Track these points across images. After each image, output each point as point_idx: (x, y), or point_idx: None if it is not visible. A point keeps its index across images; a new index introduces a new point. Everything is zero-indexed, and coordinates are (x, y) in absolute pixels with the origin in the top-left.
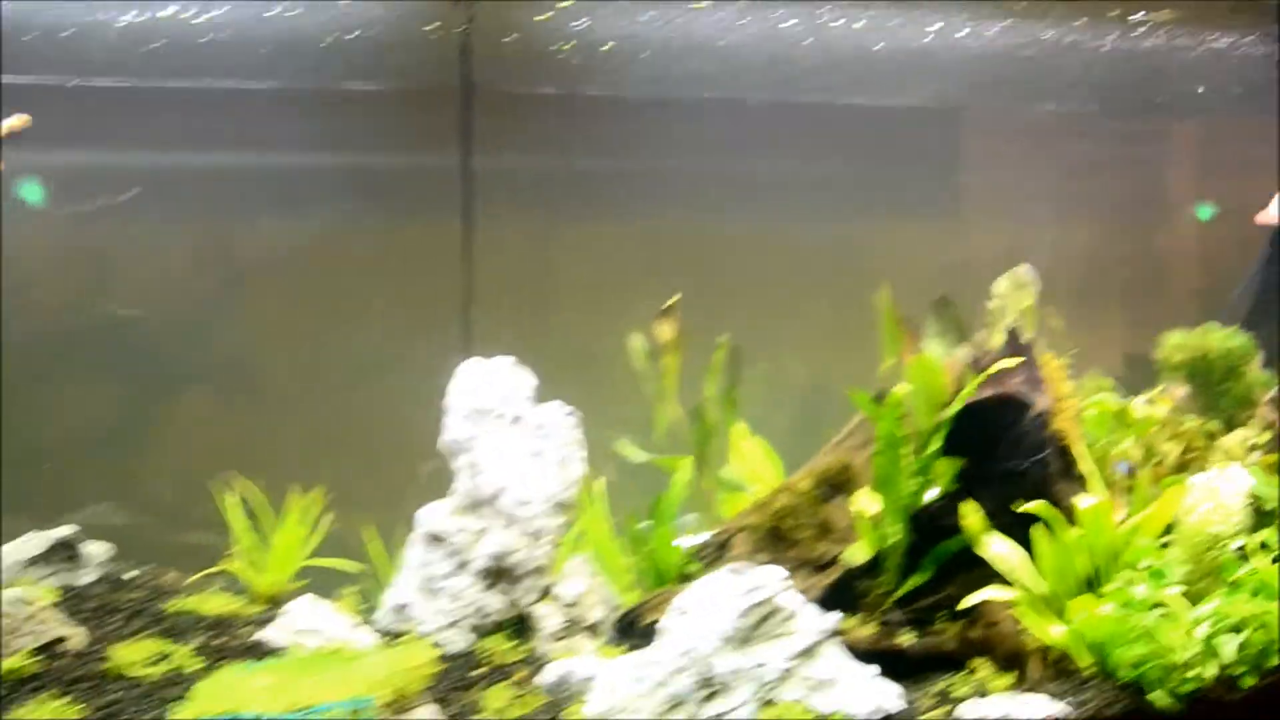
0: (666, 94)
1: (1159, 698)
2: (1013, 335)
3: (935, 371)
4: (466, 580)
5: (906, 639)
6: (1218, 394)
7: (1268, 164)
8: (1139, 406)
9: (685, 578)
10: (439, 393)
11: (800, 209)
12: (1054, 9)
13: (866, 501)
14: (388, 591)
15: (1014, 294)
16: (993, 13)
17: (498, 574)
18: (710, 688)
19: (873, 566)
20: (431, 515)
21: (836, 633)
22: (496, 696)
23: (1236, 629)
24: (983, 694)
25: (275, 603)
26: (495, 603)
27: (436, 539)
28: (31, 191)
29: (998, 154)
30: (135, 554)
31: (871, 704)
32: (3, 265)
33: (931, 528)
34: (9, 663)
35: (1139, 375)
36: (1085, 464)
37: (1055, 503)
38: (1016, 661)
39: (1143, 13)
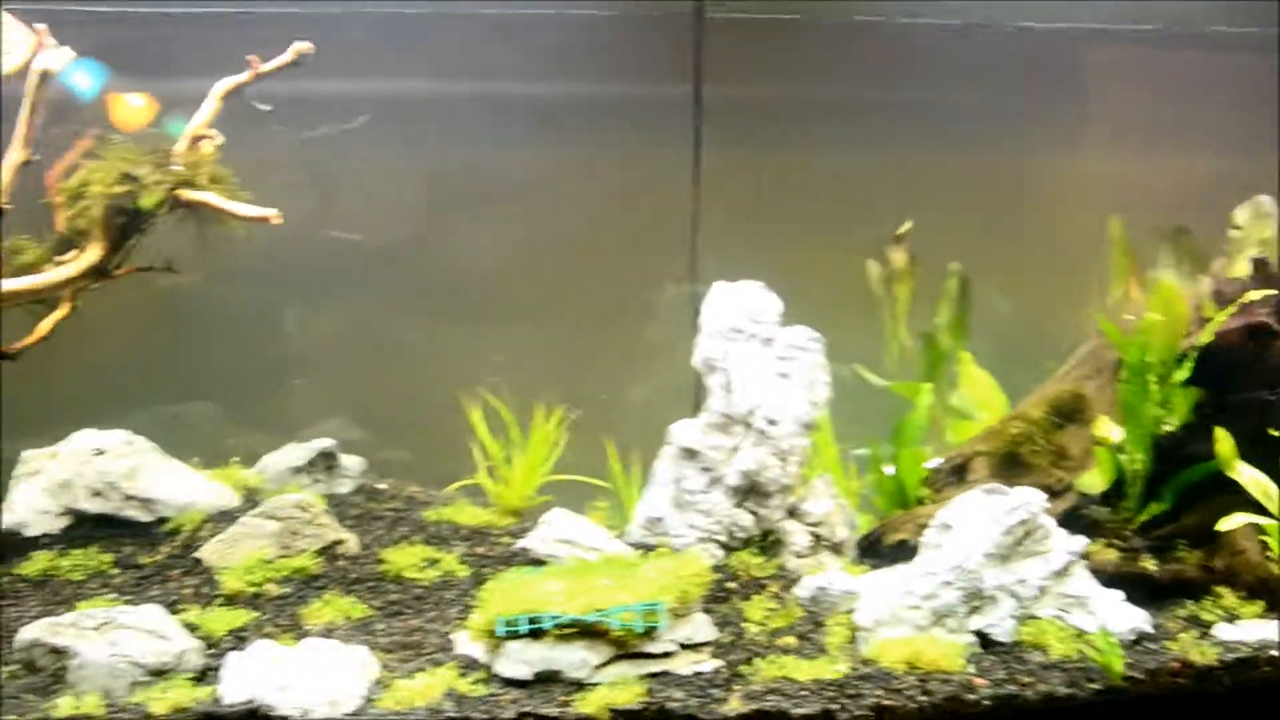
0: (891, 18)
1: None
2: (1260, 264)
3: (1177, 301)
4: (719, 496)
5: (1151, 565)
6: None
7: None
8: None
9: (918, 501)
10: (666, 315)
11: (1031, 139)
12: None
13: (1109, 429)
14: (638, 505)
15: (1254, 224)
16: None
17: (749, 491)
18: (976, 601)
19: (1107, 494)
20: (685, 431)
21: (1083, 555)
22: (756, 607)
23: None
24: (1231, 620)
25: (520, 515)
26: (745, 519)
27: (690, 453)
28: (177, 128)
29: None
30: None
31: (1127, 624)
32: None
33: (1173, 456)
34: (296, 561)
35: None
36: None
37: None
38: (1263, 589)
39: None
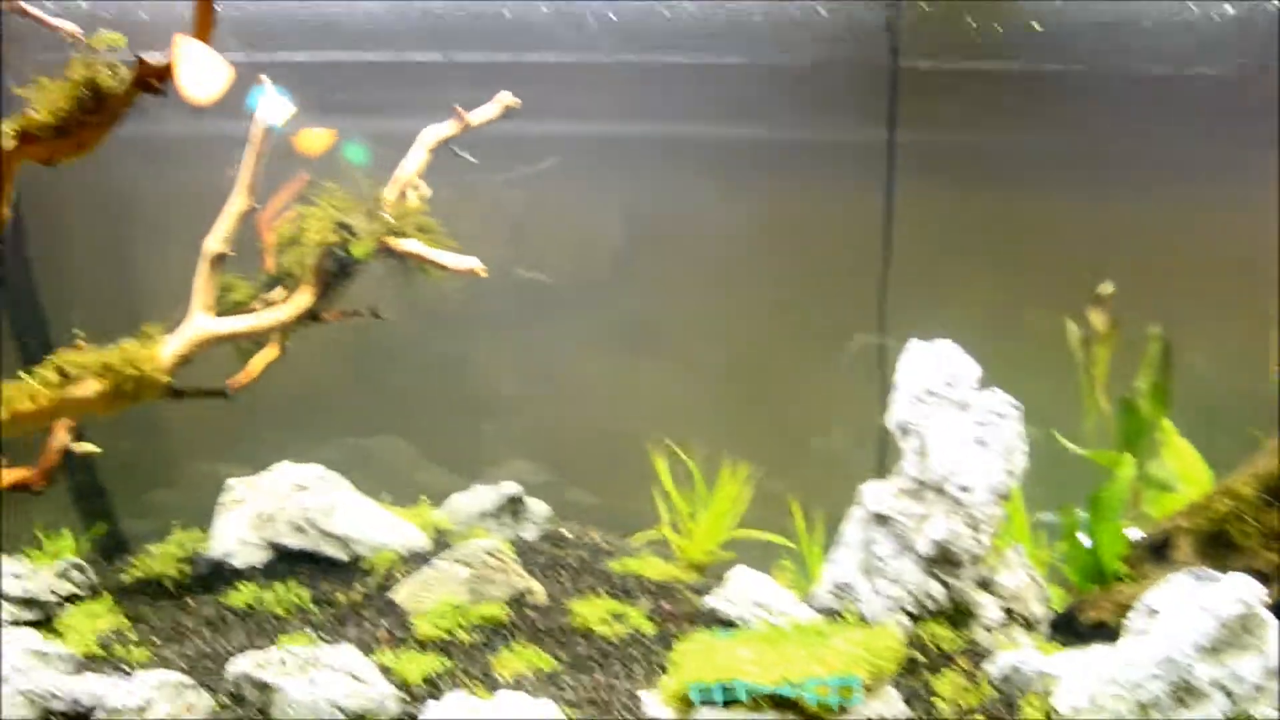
0: (1084, 69)
1: None
2: None
3: None
4: (909, 563)
5: None
6: None
7: None
8: None
9: (1116, 578)
10: (855, 366)
11: (1221, 187)
12: None
13: None
14: (826, 568)
15: None
16: None
17: (940, 559)
18: (1185, 694)
19: None
20: (877, 495)
21: None
22: (946, 683)
23: None
24: None
25: (703, 571)
26: (936, 589)
27: (881, 519)
28: (356, 153)
29: None
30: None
31: None
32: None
33: None
34: (486, 609)
35: None
36: None
37: None
38: None
39: None
